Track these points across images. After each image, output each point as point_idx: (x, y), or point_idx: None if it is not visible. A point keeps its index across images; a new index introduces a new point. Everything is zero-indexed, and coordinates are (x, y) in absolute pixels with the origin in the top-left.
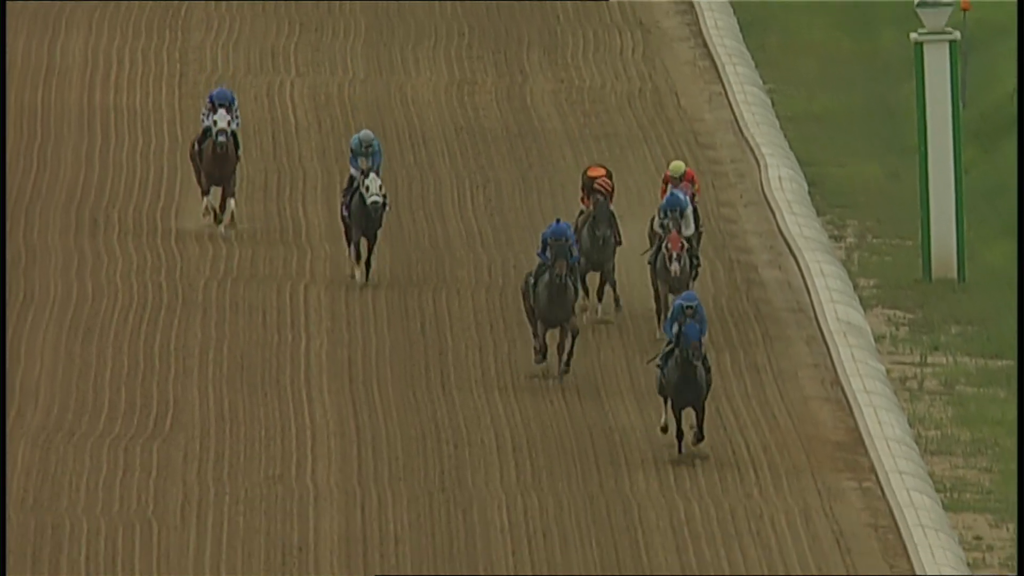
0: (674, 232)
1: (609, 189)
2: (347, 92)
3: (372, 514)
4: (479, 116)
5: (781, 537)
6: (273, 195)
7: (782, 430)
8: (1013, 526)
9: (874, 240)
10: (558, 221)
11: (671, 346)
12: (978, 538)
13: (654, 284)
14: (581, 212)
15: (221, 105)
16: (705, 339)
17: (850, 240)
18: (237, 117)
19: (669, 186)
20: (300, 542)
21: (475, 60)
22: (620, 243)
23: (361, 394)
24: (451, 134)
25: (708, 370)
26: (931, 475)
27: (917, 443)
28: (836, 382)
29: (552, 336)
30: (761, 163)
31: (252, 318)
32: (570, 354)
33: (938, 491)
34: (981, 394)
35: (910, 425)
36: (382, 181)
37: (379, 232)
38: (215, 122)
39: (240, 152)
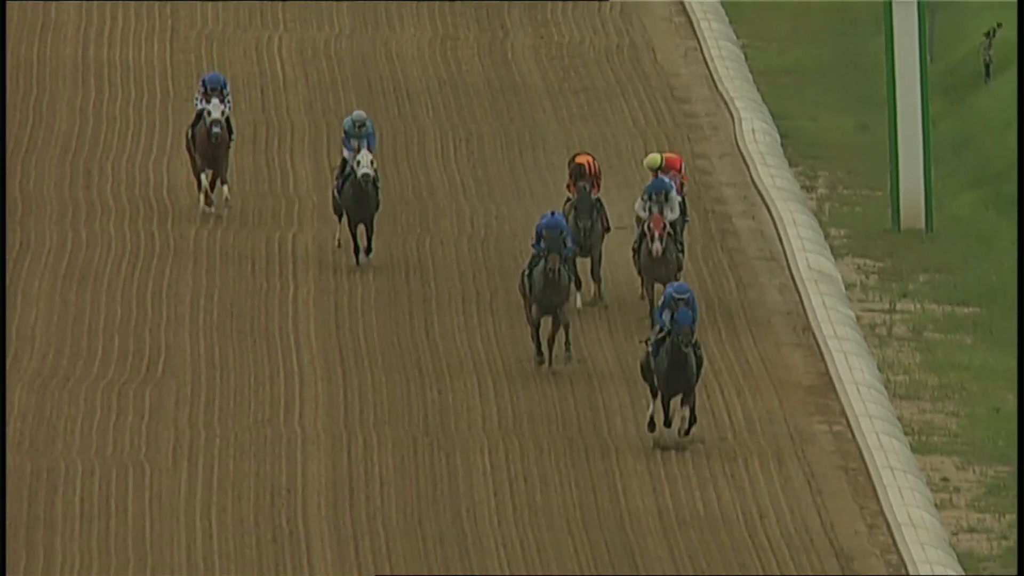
0: (657, 214)
1: (595, 172)
2: (333, 47)
3: (358, 457)
4: (462, 71)
5: (754, 479)
6: (262, 147)
7: (755, 375)
8: (980, 468)
9: (844, 191)
10: (552, 213)
11: (662, 334)
12: (945, 480)
13: (639, 275)
14: (568, 200)
15: (214, 90)
16: (696, 328)
17: (821, 191)
18: (229, 102)
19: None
20: (288, 484)
21: (458, 16)
22: (608, 229)
23: (347, 341)
24: (435, 88)
25: (700, 358)
26: (899, 419)
27: (886, 388)
28: (807, 328)
29: (544, 330)
30: (735, 116)
31: (241, 266)
32: (567, 341)
33: (906, 434)
34: (948, 340)
35: (879, 370)
36: (374, 158)
37: (375, 216)
38: (209, 112)
39: (233, 137)
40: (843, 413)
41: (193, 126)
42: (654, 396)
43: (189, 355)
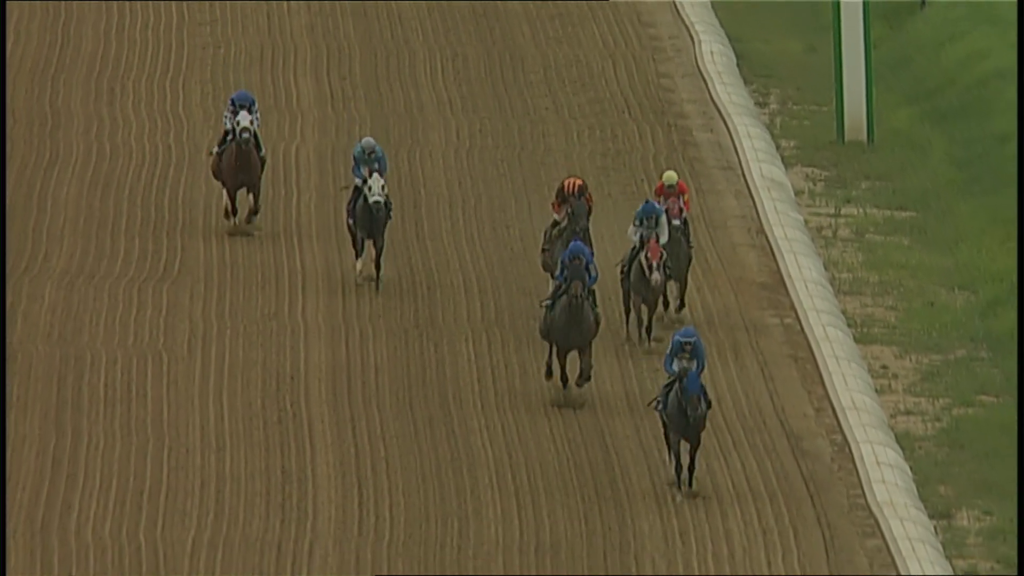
0: (653, 241)
1: (579, 189)
2: None
3: (355, 347)
4: None
5: (712, 368)
6: (268, 68)
7: (713, 273)
8: (916, 357)
9: (794, 106)
10: (576, 240)
11: (672, 380)
12: (884, 367)
13: (624, 295)
14: (554, 223)
15: (243, 107)
16: (704, 373)
17: (773, 106)
18: (257, 117)
19: (661, 197)
20: (292, 371)
21: None
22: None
23: (345, 242)
24: (424, 14)
25: (709, 404)
26: (844, 312)
27: (831, 284)
28: (760, 231)
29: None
30: (695, 39)
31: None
32: (587, 376)
33: (849, 326)
34: (888, 242)
35: (825, 268)
36: (385, 183)
37: (384, 235)
38: (238, 122)
39: (263, 153)
40: (793, 307)
41: (220, 145)
42: (668, 448)
43: (202, 256)
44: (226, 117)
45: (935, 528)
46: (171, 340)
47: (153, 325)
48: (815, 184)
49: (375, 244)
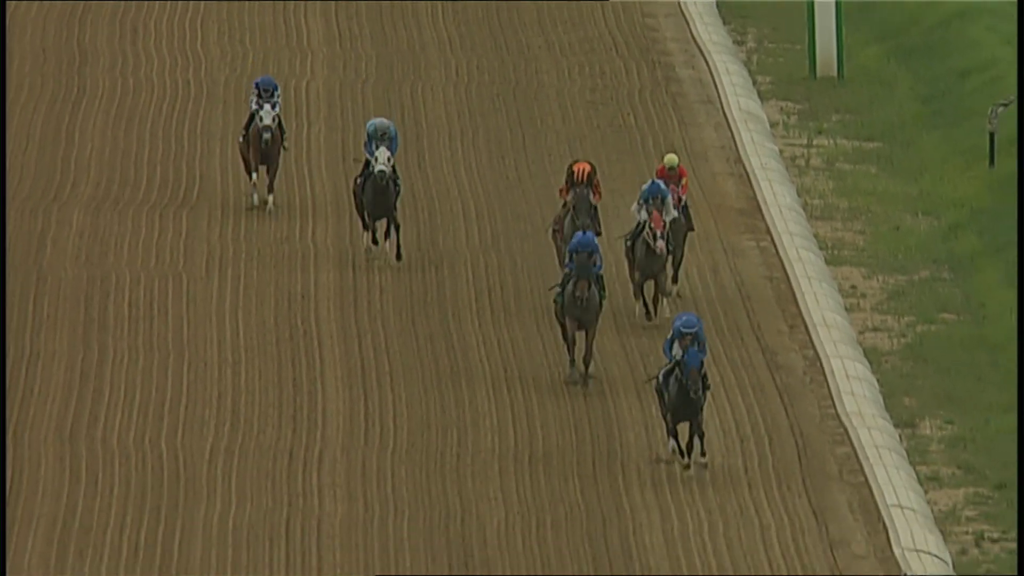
0: (656, 212)
1: (584, 179)
2: None
3: (361, 269)
4: None
5: (694, 288)
6: (280, 9)
7: (694, 200)
8: (882, 277)
9: (769, 45)
10: (584, 232)
11: (671, 366)
12: (853, 287)
13: (631, 273)
14: (563, 205)
15: (266, 92)
16: (707, 359)
17: (750, 45)
18: (279, 102)
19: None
20: (303, 291)
21: None
22: (599, 234)
23: (352, 170)
24: None
25: (707, 387)
26: (815, 236)
27: (804, 210)
28: (738, 160)
29: (579, 338)
30: None
31: None
32: (589, 356)
33: (821, 249)
34: (856, 170)
35: (798, 195)
36: (392, 156)
37: (396, 212)
38: (261, 117)
39: (286, 138)
40: (768, 231)
41: (246, 127)
42: (668, 431)
43: (219, 183)
44: (251, 100)
45: (900, 436)
46: (190, 262)
47: (173, 248)
48: (789, 117)
49: (388, 222)
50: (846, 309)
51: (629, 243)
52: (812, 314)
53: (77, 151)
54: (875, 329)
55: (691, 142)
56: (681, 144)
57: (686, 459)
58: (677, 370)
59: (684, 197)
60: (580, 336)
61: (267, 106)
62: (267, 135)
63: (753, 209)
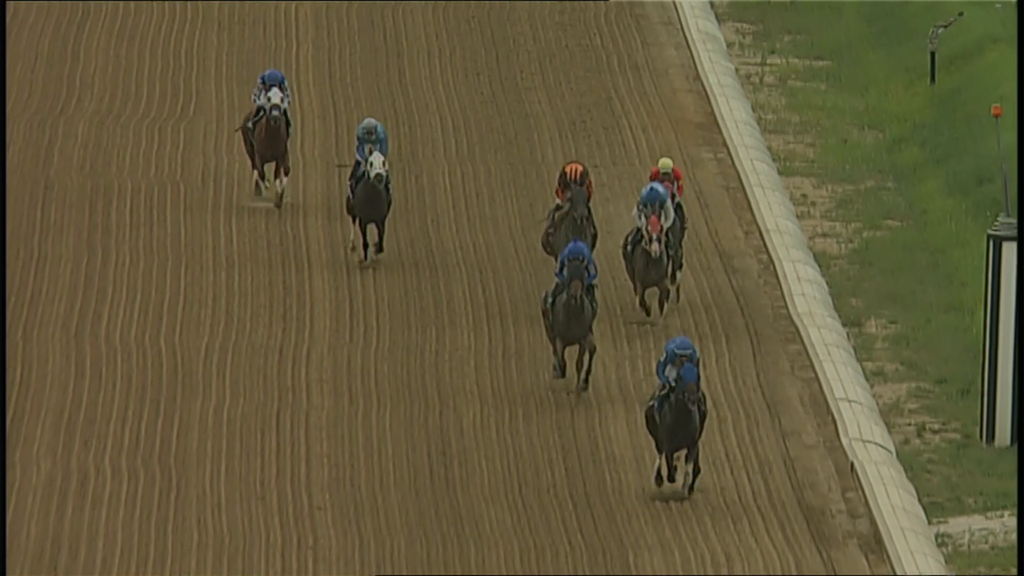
0: (653, 216)
1: (580, 175)
2: None
3: (346, 178)
4: None
5: None
6: None
7: (656, 114)
8: (831, 186)
9: None
10: (576, 240)
11: (666, 390)
12: (804, 196)
13: (631, 278)
14: (558, 207)
15: (273, 84)
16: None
17: None
18: (287, 95)
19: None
20: (292, 200)
21: None
22: (595, 233)
23: (339, 88)
24: None
25: (704, 412)
26: (768, 148)
27: (758, 124)
28: (697, 78)
29: (570, 353)
30: None
31: (255, 30)
32: (588, 370)
33: (774, 160)
34: (807, 87)
35: (753, 110)
36: (385, 159)
37: (386, 216)
38: (268, 99)
39: (291, 129)
40: (725, 144)
41: (251, 120)
42: (659, 451)
43: (214, 98)
44: (256, 94)
45: (847, 334)
46: (187, 172)
47: (171, 159)
48: (744, 37)
49: (377, 226)
50: (797, 216)
51: (629, 248)
52: (766, 221)
53: (82, 68)
54: (824, 235)
55: (653, 60)
56: (644, 63)
57: (672, 483)
58: (672, 395)
59: (679, 197)
60: (570, 350)
61: (275, 89)
62: (276, 113)
63: (711, 123)
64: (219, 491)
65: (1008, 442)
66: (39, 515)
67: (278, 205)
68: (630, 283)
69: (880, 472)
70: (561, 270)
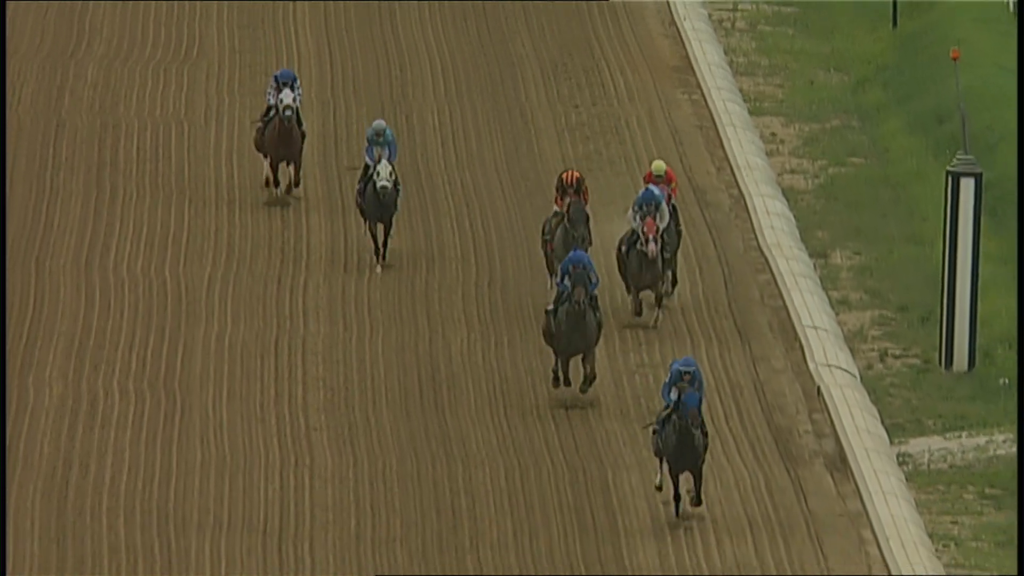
0: (649, 218)
1: (577, 182)
2: None
3: (341, 115)
4: None
5: (633, 133)
6: None
7: (634, 58)
8: (798, 125)
9: None
10: (576, 249)
11: (668, 411)
12: (773, 134)
13: (625, 281)
14: (556, 213)
15: (285, 84)
16: (704, 407)
17: None
18: (299, 95)
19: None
20: None
21: None
22: (591, 243)
23: (334, 33)
24: None
25: (706, 435)
26: (740, 89)
27: (730, 67)
28: (672, 23)
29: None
30: None
31: None
32: (591, 381)
33: (745, 101)
34: (776, 31)
35: (725, 53)
36: (394, 168)
37: (394, 218)
38: (281, 100)
39: (304, 128)
40: (698, 85)
41: (263, 119)
42: (661, 468)
43: (216, 42)
44: (269, 93)
45: (814, 265)
46: (191, 112)
47: (176, 99)
48: None
49: (384, 227)
50: (767, 154)
51: (624, 249)
52: (737, 158)
53: (91, 14)
54: (792, 171)
55: (630, 7)
56: (622, 9)
57: (677, 504)
58: (675, 416)
59: (674, 199)
60: (574, 360)
61: (286, 89)
62: (288, 112)
63: (685, 66)
64: (221, 413)
65: (965, 367)
66: (51, 435)
67: (288, 192)
68: (623, 285)
69: (845, 395)
70: (563, 279)
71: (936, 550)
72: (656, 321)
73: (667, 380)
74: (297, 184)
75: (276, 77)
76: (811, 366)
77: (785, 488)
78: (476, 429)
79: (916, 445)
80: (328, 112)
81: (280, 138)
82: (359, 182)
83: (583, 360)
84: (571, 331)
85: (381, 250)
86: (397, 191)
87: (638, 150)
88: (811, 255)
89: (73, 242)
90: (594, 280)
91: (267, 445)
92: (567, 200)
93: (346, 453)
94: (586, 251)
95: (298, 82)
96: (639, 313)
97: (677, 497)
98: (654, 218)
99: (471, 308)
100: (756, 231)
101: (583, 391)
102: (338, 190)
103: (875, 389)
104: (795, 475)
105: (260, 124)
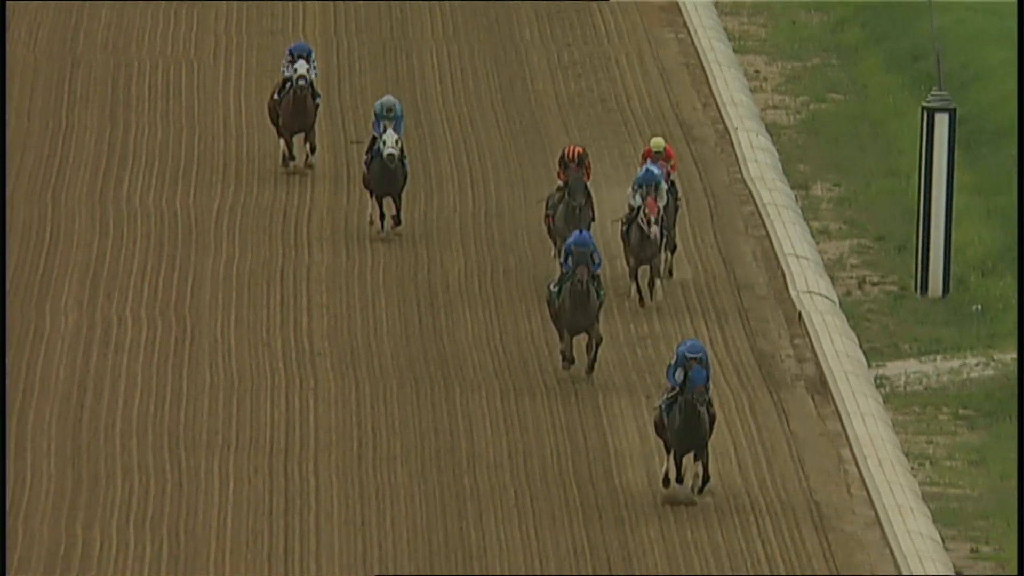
0: (650, 198)
1: (579, 156)
2: None
3: (344, 56)
4: None
5: (623, 71)
6: None
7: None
8: (781, 63)
9: None
10: (580, 231)
11: (675, 392)
12: (757, 71)
13: (627, 258)
14: (558, 188)
15: (300, 56)
16: (710, 386)
17: None
18: (314, 67)
19: (648, 161)
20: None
21: None
22: (593, 218)
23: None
24: None
25: (712, 415)
26: (725, 29)
27: (715, 7)
28: None
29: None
30: None
31: None
32: (594, 358)
33: (729, 40)
34: None
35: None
36: (400, 139)
37: (402, 190)
38: (295, 70)
39: (318, 100)
40: (685, 25)
41: (278, 93)
42: (668, 452)
43: None
44: (284, 66)
45: (795, 196)
46: (200, 50)
47: (186, 38)
48: None
49: (393, 200)
50: (751, 90)
51: (624, 228)
52: (722, 94)
53: None
54: (775, 107)
55: None
56: None
57: (682, 488)
58: (680, 398)
59: (673, 176)
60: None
61: (300, 61)
62: (302, 82)
63: (672, 6)
64: (229, 338)
65: (940, 294)
66: (67, 360)
67: (307, 166)
68: (625, 263)
69: (825, 321)
70: (566, 259)
71: (912, 468)
72: (655, 295)
73: (672, 363)
74: (313, 151)
75: (291, 50)
76: (793, 293)
77: (768, 410)
78: (472, 353)
79: (893, 368)
80: (331, 52)
81: (295, 109)
82: (365, 153)
83: (587, 335)
84: (574, 310)
85: (392, 221)
86: (404, 163)
87: (628, 87)
88: (793, 187)
89: (88, 175)
90: (596, 261)
91: (273, 369)
92: (567, 174)
93: (348, 377)
94: (588, 226)
95: (313, 55)
96: (640, 290)
97: (680, 479)
98: (655, 198)
99: (468, 237)
100: (740, 164)
101: (589, 370)
102: (341, 131)
103: (854, 315)
104: (777, 398)
105: (276, 97)
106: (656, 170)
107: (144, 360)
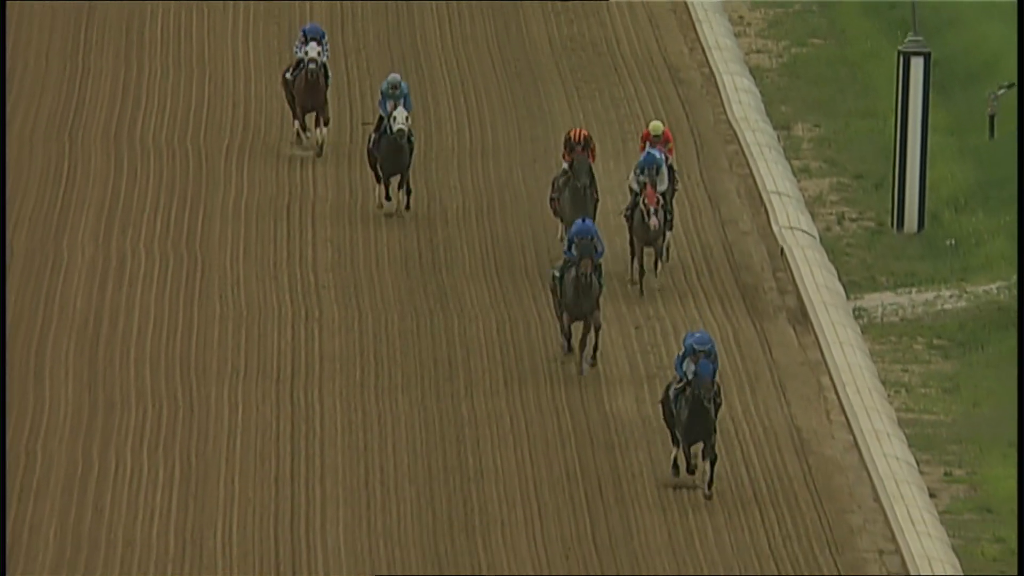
0: (650, 188)
1: (584, 139)
2: None
3: (348, 18)
4: None
5: (613, 17)
6: None
7: None
8: (764, 9)
9: None
10: (584, 220)
11: (681, 384)
12: (740, 17)
13: (630, 239)
14: (563, 171)
15: (313, 38)
16: (718, 379)
17: None
18: (326, 49)
19: (647, 144)
20: (300, 16)
21: None
22: (598, 199)
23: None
24: None
25: (719, 406)
26: None
27: None
28: None
29: (576, 329)
30: None
31: None
32: (595, 347)
33: None
34: None
35: None
36: (409, 116)
37: (409, 168)
38: (307, 52)
39: (330, 80)
40: None
41: (292, 71)
42: (675, 443)
43: None
44: (297, 47)
45: (778, 136)
46: None
47: None
48: None
49: (401, 177)
50: (735, 35)
51: (628, 212)
52: (708, 38)
53: None
54: (758, 51)
55: None
56: None
57: (691, 477)
58: (688, 389)
59: (671, 159)
60: (576, 327)
61: (313, 43)
62: (312, 66)
63: None
64: (238, 270)
65: (915, 229)
66: (83, 291)
67: (319, 154)
68: (628, 246)
69: (806, 255)
70: (570, 248)
71: (888, 395)
72: (656, 272)
73: (680, 354)
74: (327, 123)
75: (304, 31)
76: (775, 228)
77: (751, 340)
78: (470, 287)
79: (870, 300)
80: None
81: (307, 89)
82: (372, 132)
83: (586, 322)
84: (577, 297)
85: (394, 194)
86: (411, 141)
87: (618, 32)
88: (775, 127)
89: (103, 115)
90: (599, 249)
91: (280, 300)
92: (572, 156)
93: (351, 308)
94: (594, 206)
95: (326, 37)
96: (640, 280)
97: (690, 469)
98: (654, 186)
99: (465, 176)
100: (725, 105)
101: (592, 362)
102: (344, 70)
103: (833, 249)
104: (760, 328)
105: (289, 76)
106: (657, 153)
107: (157, 292)
